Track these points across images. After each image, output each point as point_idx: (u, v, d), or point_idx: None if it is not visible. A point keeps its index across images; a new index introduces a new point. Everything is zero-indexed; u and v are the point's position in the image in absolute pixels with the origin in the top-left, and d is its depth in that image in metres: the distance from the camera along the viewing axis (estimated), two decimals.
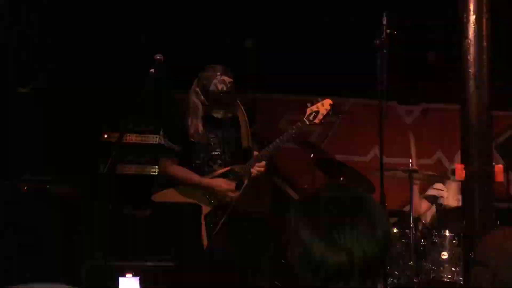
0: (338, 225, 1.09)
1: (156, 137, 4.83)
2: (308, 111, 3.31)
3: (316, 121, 3.30)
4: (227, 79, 3.14)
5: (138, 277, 2.71)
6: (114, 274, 3.67)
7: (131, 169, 4.78)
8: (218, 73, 3.14)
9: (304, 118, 3.29)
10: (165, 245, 4.69)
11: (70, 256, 4.50)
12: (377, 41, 3.03)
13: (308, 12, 5.48)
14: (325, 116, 3.32)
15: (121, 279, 2.72)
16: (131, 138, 4.76)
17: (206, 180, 3.18)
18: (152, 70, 3.02)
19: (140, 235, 4.66)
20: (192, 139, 3.17)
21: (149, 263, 4.56)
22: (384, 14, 3.02)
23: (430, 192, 4.67)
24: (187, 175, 3.20)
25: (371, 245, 1.08)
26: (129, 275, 2.75)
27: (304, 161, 4.83)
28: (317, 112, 3.30)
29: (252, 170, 3.20)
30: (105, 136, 4.73)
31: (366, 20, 5.01)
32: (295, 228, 1.13)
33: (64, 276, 4.43)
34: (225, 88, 3.11)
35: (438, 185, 4.63)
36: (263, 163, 3.23)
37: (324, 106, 3.31)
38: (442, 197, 4.66)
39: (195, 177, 3.18)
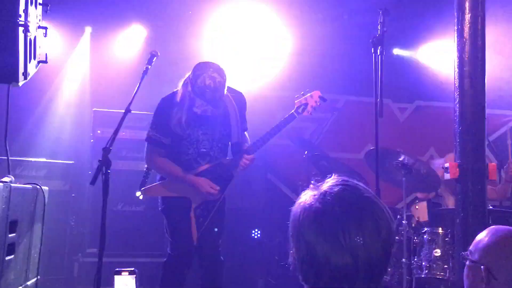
0: (343, 226, 1.07)
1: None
2: (297, 103, 3.30)
3: (305, 113, 3.28)
4: (217, 77, 3.11)
5: (135, 275, 2.68)
6: (107, 270, 3.65)
7: (124, 165, 4.76)
8: (211, 69, 3.13)
9: (293, 111, 3.28)
10: (157, 241, 4.68)
11: (63, 252, 4.47)
12: (373, 38, 3.01)
13: (303, 8, 5.47)
14: (314, 108, 3.29)
15: (116, 277, 2.69)
16: (125, 133, 4.73)
17: (190, 177, 3.16)
18: (148, 65, 3.01)
19: (131, 231, 4.65)
20: (177, 130, 3.14)
21: (141, 259, 4.56)
22: (380, 12, 3.00)
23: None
24: (172, 168, 3.17)
25: (375, 247, 1.06)
26: (125, 273, 2.72)
27: (298, 158, 4.83)
28: (306, 105, 3.28)
29: (240, 162, 3.19)
30: (99, 131, 4.70)
31: (362, 18, 5.03)
32: (299, 229, 1.11)
33: (57, 272, 4.41)
34: (212, 85, 3.07)
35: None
36: (251, 156, 3.22)
37: (313, 98, 3.28)
38: (441, 196, 4.66)
39: (180, 172, 3.16)
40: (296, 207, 1.15)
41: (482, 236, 1.71)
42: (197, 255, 3.25)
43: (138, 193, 3.31)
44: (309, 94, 3.29)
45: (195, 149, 3.21)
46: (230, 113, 3.25)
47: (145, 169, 4.12)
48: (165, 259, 3.24)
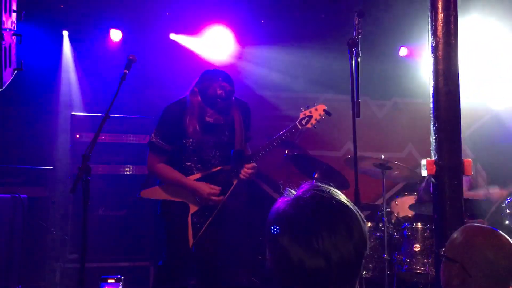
0: (316, 230, 1.09)
1: (130, 137, 4.80)
2: (301, 115, 3.35)
3: (308, 125, 3.33)
4: (227, 86, 3.15)
5: (120, 283, 2.68)
6: (89, 275, 3.64)
7: (105, 169, 4.73)
8: (220, 78, 3.15)
9: (297, 122, 3.32)
10: (139, 245, 4.66)
11: (44, 259, 4.43)
12: (349, 40, 3.05)
13: (282, 9, 5.49)
14: (318, 121, 3.35)
15: (104, 285, 2.70)
16: (105, 137, 4.70)
17: (190, 182, 3.17)
18: (126, 70, 3.01)
19: (113, 236, 4.62)
20: (190, 139, 3.16)
21: (123, 264, 4.54)
22: (356, 13, 3.04)
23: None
24: (173, 174, 3.19)
25: (348, 249, 1.09)
26: (111, 280, 2.73)
27: (279, 157, 4.86)
28: (310, 117, 3.33)
29: (241, 171, 3.21)
30: (78, 136, 4.66)
31: (341, 17, 5.08)
32: (273, 234, 1.14)
33: (38, 279, 4.36)
34: (223, 94, 3.12)
35: None
36: (252, 164, 3.25)
37: (318, 111, 3.34)
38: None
39: (180, 177, 3.18)
40: (271, 213, 1.18)
41: (457, 234, 1.76)
42: (194, 261, 3.25)
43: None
44: (314, 107, 3.35)
45: (198, 156, 3.23)
46: (235, 120, 3.28)
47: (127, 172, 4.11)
48: (160, 263, 3.23)
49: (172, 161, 3.23)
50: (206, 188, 3.15)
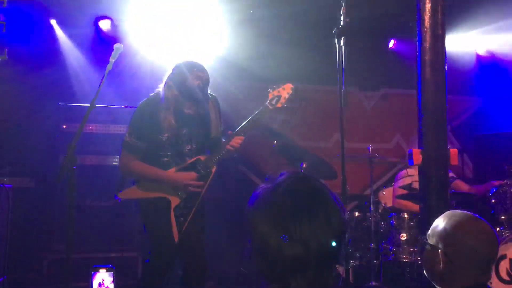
0: (295, 217, 1.10)
1: (118, 127, 4.77)
2: (270, 95, 3.36)
3: (278, 105, 3.35)
4: (203, 75, 3.14)
5: (112, 272, 2.68)
6: (78, 266, 3.63)
7: (92, 160, 4.70)
8: (195, 69, 3.14)
9: (267, 103, 3.33)
10: (127, 235, 4.64)
11: (31, 249, 4.40)
12: (336, 30, 3.05)
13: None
14: (287, 100, 3.37)
15: (94, 275, 2.69)
16: (92, 128, 4.67)
17: (168, 174, 3.13)
18: (112, 59, 2.96)
19: (101, 226, 4.61)
20: (165, 133, 3.11)
21: (112, 254, 4.53)
22: (343, 3, 3.04)
23: (405, 181, 4.67)
24: (149, 170, 3.13)
25: (326, 236, 1.10)
26: (102, 270, 2.72)
27: (268, 148, 4.87)
28: (279, 97, 3.34)
29: (227, 146, 3.18)
30: (64, 126, 4.62)
31: (331, 7, 5.06)
32: (253, 222, 1.14)
33: (25, 270, 4.34)
34: (201, 84, 3.11)
35: (410, 171, 4.62)
36: (241, 137, 3.22)
37: (285, 90, 3.36)
38: (415, 181, 4.72)
39: (157, 172, 3.12)
40: (251, 200, 1.18)
41: (439, 221, 1.77)
42: (179, 255, 3.22)
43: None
44: (281, 87, 3.35)
45: (175, 150, 3.19)
46: (210, 112, 3.26)
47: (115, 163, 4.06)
48: (147, 261, 3.20)
49: (148, 159, 3.17)
50: (183, 175, 3.12)
